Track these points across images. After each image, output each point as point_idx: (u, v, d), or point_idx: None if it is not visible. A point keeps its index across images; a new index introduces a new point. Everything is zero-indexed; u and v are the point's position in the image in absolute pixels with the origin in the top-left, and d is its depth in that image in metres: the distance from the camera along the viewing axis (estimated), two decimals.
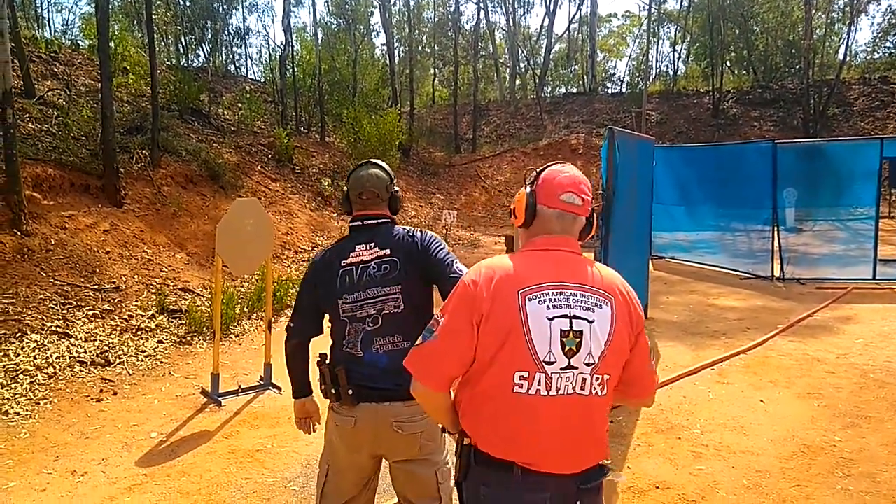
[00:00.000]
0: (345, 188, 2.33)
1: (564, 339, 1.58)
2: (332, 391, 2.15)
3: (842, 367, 5.64)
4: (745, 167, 10.42)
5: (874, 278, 9.24)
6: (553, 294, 1.61)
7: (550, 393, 1.57)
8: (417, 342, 1.67)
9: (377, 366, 2.13)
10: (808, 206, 10.67)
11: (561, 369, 1.58)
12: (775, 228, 9.79)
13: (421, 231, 2.27)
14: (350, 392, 2.11)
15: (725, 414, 4.65)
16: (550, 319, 1.58)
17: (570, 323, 1.59)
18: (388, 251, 2.18)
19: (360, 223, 2.27)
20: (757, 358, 5.98)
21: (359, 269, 2.17)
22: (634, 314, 1.71)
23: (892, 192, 16.52)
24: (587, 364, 1.61)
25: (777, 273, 9.69)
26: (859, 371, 5.50)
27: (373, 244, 2.20)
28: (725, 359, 5.91)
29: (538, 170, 1.79)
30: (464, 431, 1.69)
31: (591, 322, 1.62)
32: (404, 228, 2.27)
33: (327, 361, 2.19)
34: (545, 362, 1.57)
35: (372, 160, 2.36)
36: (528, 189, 1.76)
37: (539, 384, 1.57)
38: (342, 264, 2.19)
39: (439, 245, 2.22)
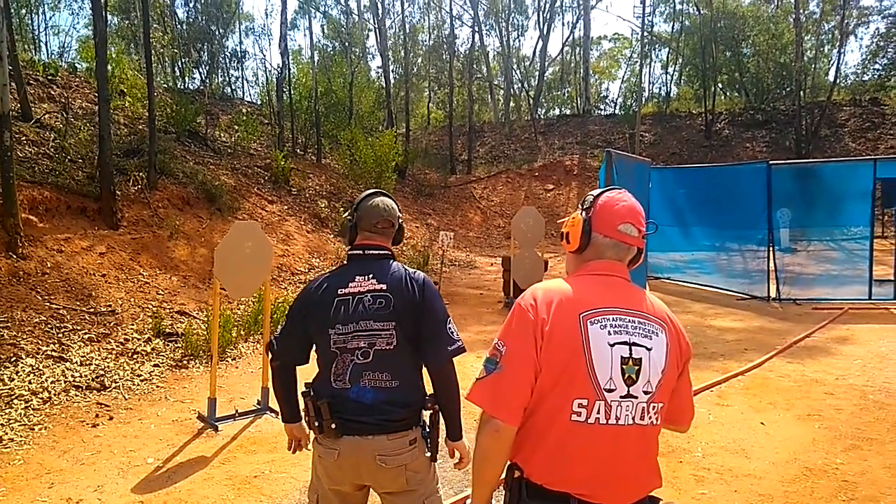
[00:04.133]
0: (348, 216, 2.31)
1: (624, 367, 1.55)
2: (316, 423, 2.12)
3: (841, 388, 5.63)
4: (739, 188, 10.51)
5: (870, 298, 9.29)
6: (614, 319, 1.57)
7: (610, 422, 1.53)
8: (479, 375, 1.59)
9: (362, 401, 2.10)
10: (803, 227, 10.75)
11: (621, 397, 1.54)
12: (770, 249, 9.84)
13: (422, 276, 2.23)
14: (333, 426, 2.08)
15: (726, 436, 4.63)
16: (611, 345, 1.55)
17: (630, 350, 1.56)
18: (384, 286, 2.15)
19: (360, 252, 2.25)
20: (756, 379, 5.97)
21: (354, 300, 2.14)
22: (683, 343, 1.70)
23: (885, 212, 16.65)
24: (645, 392, 1.57)
25: (773, 293, 9.71)
26: (858, 392, 5.49)
27: (371, 276, 2.17)
28: (724, 380, 5.90)
29: (594, 194, 1.75)
30: (514, 465, 1.63)
31: (649, 350, 1.59)
32: (404, 268, 2.23)
33: (311, 394, 2.15)
34: (606, 389, 1.53)
35: (378, 190, 2.36)
36: (584, 215, 1.71)
37: (598, 412, 1.53)
38: (339, 293, 2.16)
39: (435, 299, 2.18)
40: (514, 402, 1.54)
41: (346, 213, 2.34)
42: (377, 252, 2.25)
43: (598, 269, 1.68)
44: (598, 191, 1.76)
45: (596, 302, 1.59)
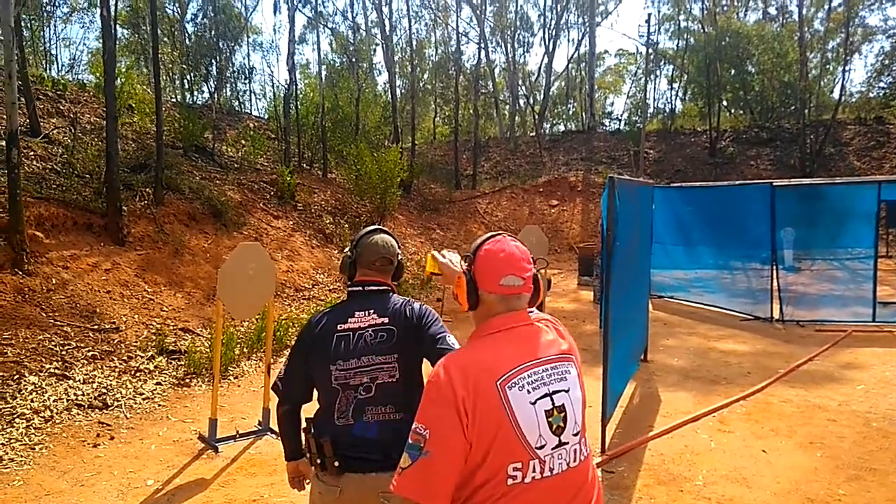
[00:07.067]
0: (348, 253, 2.33)
1: (550, 419, 1.56)
2: (318, 461, 2.12)
3: (844, 414, 5.60)
4: (743, 207, 10.50)
5: (874, 320, 9.24)
6: (529, 376, 1.58)
7: (545, 475, 1.54)
8: (403, 464, 1.51)
9: (366, 437, 2.10)
10: (807, 247, 10.73)
11: (552, 449, 1.56)
12: (774, 269, 9.83)
13: (419, 304, 2.28)
14: (336, 464, 2.08)
15: (727, 464, 4.60)
16: (533, 403, 1.55)
17: (552, 400, 1.58)
18: (386, 319, 2.18)
19: (360, 289, 2.27)
20: (758, 405, 5.94)
21: (355, 336, 2.16)
22: (579, 358, 1.74)
23: (889, 231, 16.60)
24: (575, 434, 1.61)
25: (777, 314, 9.68)
26: (862, 419, 5.46)
27: (371, 311, 2.20)
28: (726, 405, 5.87)
29: (475, 245, 1.72)
30: None
31: (568, 391, 1.62)
32: (402, 298, 2.28)
33: (313, 431, 2.16)
34: (537, 448, 1.53)
35: (379, 227, 2.39)
36: (468, 272, 1.69)
37: (534, 471, 1.53)
38: (339, 328, 2.17)
39: (434, 318, 2.23)
40: (446, 486, 1.49)
41: (347, 250, 2.36)
42: (376, 288, 2.27)
43: (498, 327, 1.66)
44: (480, 240, 1.73)
45: (507, 364, 1.57)
